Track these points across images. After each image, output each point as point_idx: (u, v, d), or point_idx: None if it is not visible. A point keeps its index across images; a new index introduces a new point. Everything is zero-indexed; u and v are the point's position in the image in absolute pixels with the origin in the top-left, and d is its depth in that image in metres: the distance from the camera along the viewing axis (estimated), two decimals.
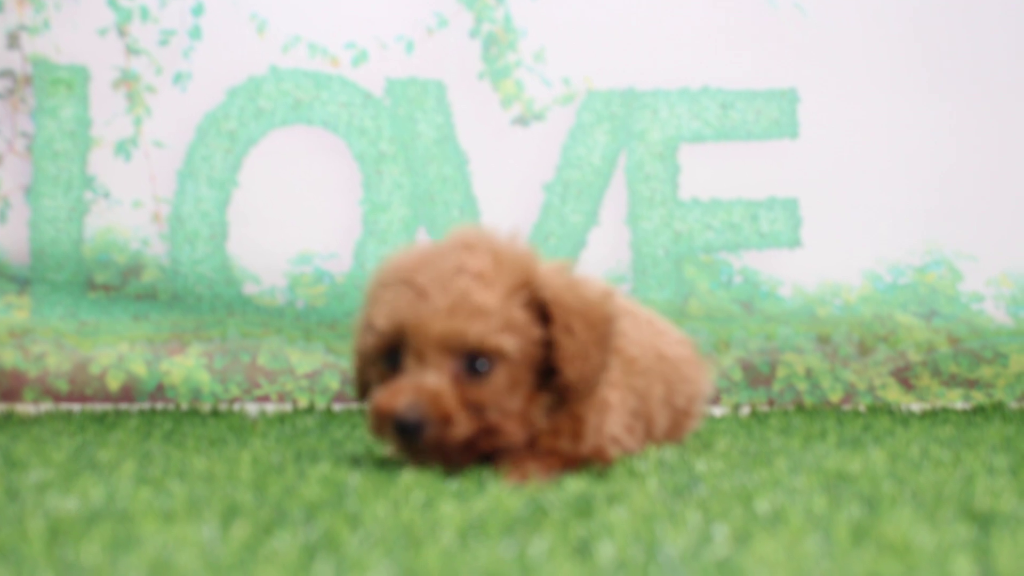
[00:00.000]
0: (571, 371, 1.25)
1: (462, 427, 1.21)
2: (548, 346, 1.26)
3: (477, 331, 1.21)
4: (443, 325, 1.20)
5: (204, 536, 0.87)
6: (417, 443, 1.21)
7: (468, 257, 1.23)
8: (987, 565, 0.75)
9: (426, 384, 1.21)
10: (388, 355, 1.25)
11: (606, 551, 0.83)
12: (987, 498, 1.04)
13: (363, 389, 1.33)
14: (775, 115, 2.40)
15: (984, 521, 0.93)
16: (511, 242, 1.29)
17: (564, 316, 1.25)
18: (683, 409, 1.59)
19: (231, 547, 0.84)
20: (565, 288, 1.27)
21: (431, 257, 1.25)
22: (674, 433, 1.59)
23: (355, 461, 1.37)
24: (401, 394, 1.20)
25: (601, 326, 1.28)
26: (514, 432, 1.25)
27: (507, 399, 1.24)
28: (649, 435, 1.49)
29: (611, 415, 1.36)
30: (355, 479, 1.17)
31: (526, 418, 1.27)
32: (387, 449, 1.35)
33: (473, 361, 1.22)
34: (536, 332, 1.25)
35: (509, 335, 1.22)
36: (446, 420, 1.20)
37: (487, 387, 1.23)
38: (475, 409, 1.22)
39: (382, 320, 1.24)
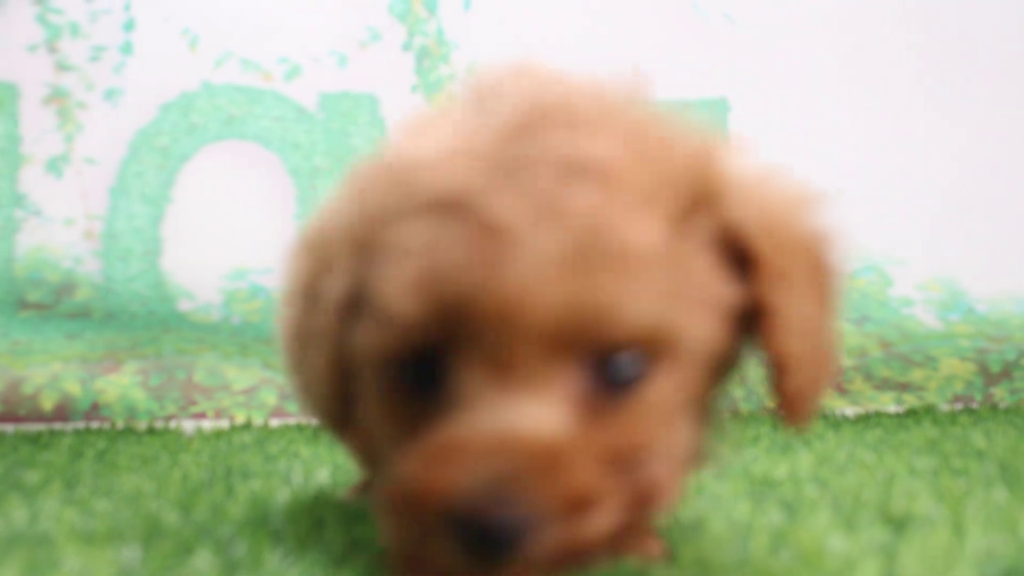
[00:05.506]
0: (797, 367, 0.62)
1: (609, 514, 0.57)
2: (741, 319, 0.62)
3: (632, 304, 0.55)
4: (559, 297, 0.53)
5: (124, 557, 0.86)
6: (507, 558, 0.54)
7: (583, 141, 0.56)
8: (891, 569, 0.76)
9: (526, 430, 0.54)
10: (414, 362, 0.57)
11: None
12: (903, 500, 1.05)
13: (340, 412, 0.67)
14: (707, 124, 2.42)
15: (898, 524, 0.95)
16: (653, 105, 0.64)
17: (782, 262, 0.61)
18: None
19: (150, 568, 0.84)
20: (777, 209, 0.65)
21: (493, 145, 0.56)
22: None
23: (285, 478, 1.36)
24: (470, 458, 0.53)
25: (827, 274, 0.65)
26: (672, 489, 0.63)
27: (669, 431, 0.61)
28: None
29: None
30: (284, 496, 1.17)
31: (687, 458, 0.67)
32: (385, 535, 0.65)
33: (608, 363, 0.56)
34: (727, 294, 0.60)
35: (688, 306, 0.58)
36: (579, 508, 0.55)
37: (638, 413, 0.58)
38: (621, 464, 0.57)
39: (406, 294, 0.55)
